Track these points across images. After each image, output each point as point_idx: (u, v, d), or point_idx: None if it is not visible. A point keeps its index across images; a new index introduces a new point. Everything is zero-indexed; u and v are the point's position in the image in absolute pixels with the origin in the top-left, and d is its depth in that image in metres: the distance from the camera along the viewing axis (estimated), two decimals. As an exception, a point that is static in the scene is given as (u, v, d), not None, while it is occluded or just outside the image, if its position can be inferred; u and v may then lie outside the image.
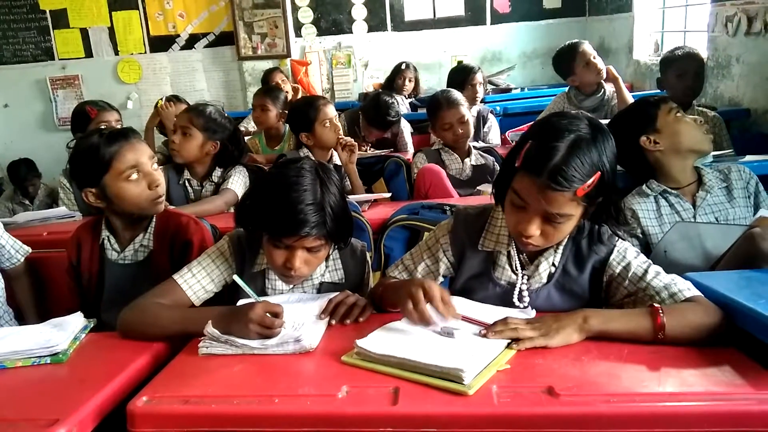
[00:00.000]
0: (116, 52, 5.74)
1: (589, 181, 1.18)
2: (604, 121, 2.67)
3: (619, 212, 1.29)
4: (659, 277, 1.26)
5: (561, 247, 1.34)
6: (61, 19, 5.65)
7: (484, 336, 1.16)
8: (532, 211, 1.23)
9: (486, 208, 1.44)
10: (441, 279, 1.46)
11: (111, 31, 5.69)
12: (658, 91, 3.18)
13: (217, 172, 2.52)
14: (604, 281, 1.33)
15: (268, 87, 4.03)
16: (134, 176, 1.62)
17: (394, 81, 4.80)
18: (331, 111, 2.70)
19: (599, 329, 1.16)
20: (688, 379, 1.04)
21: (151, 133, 3.42)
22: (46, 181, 5.16)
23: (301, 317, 1.33)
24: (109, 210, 1.69)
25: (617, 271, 1.31)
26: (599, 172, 1.19)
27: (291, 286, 1.53)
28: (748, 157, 2.22)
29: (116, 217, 1.70)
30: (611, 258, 1.32)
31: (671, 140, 1.77)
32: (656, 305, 1.17)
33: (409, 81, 4.80)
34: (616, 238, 1.33)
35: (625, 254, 1.31)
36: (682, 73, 2.88)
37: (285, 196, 1.34)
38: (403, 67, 4.83)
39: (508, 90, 5.03)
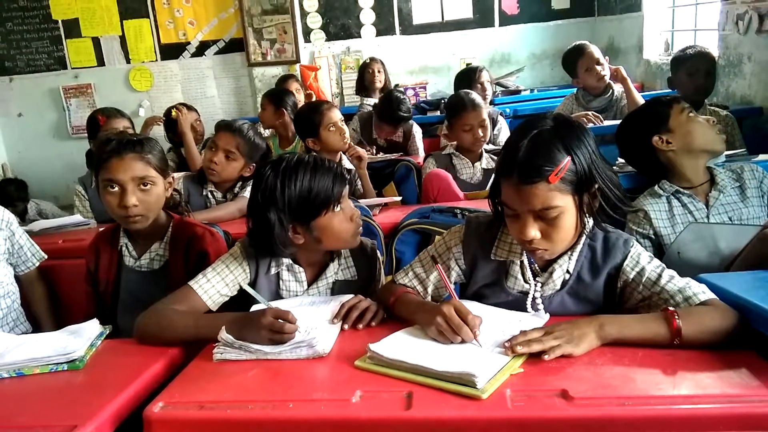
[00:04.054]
0: (128, 61, 5.78)
1: (560, 166, 1.18)
2: (614, 122, 2.70)
3: (618, 205, 1.27)
4: (673, 281, 1.25)
5: (575, 254, 1.33)
6: (73, 28, 5.70)
7: (510, 349, 1.12)
8: (522, 214, 1.24)
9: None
10: (452, 286, 1.46)
11: (122, 39, 5.73)
12: (669, 90, 3.17)
13: (239, 183, 2.55)
14: (618, 287, 1.32)
15: (272, 89, 4.08)
16: (110, 189, 1.64)
17: (364, 79, 4.65)
18: (335, 115, 2.68)
19: (615, 337, 1.15)
20: (704, 382, 1.03)
21: None
22: (59, 190, 5.20)
23: (314, 321, 1.34)
24: None
25: (631, 276, 1.30)
26: (569, 157, 1.20)
27: (305, 287, 1.54)
28: (762, 156, 2.20)
29: None
30: (625, 264, 1.31)
31: (684, 140, 1.76)
32: (671, 309, 1.16)
33: (378, 72, 4.59)
34: (631, 243, 1.33)
35: (639, 259, 1.30)
36: (694, 72, 2.87)
37: None
38: (368, 60, 4.68)
39: (517, 92, 5.00)
